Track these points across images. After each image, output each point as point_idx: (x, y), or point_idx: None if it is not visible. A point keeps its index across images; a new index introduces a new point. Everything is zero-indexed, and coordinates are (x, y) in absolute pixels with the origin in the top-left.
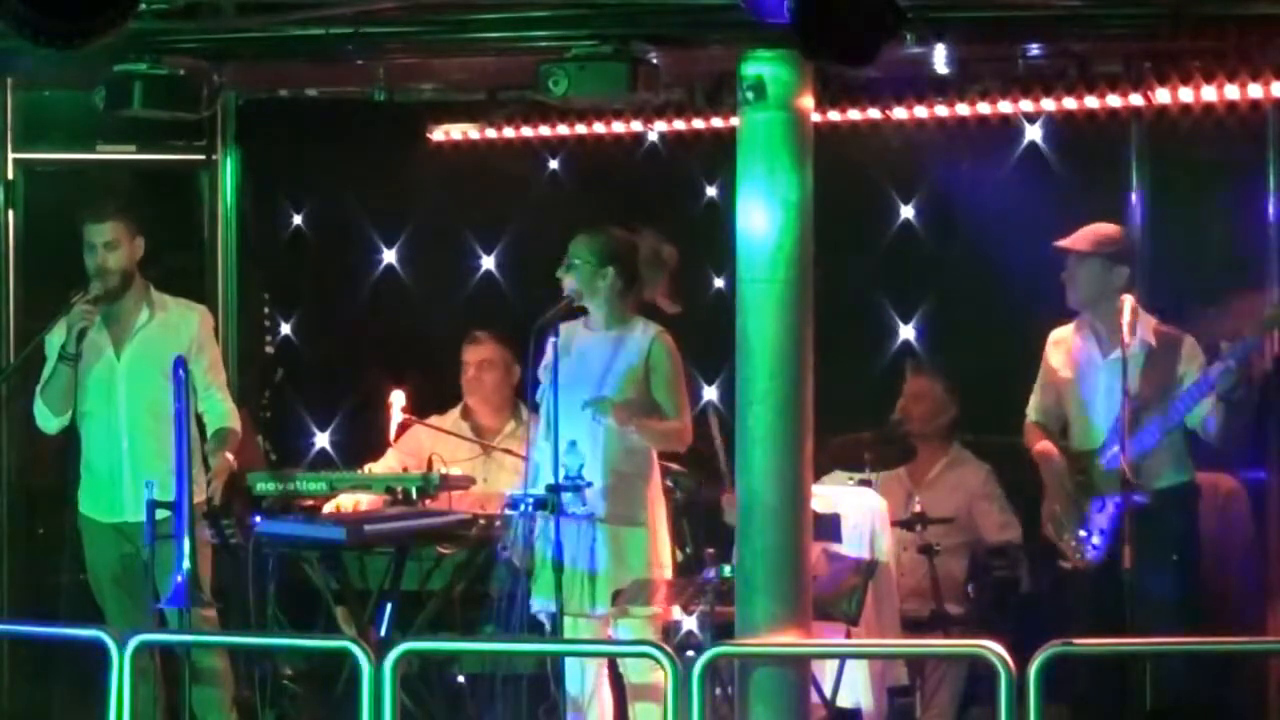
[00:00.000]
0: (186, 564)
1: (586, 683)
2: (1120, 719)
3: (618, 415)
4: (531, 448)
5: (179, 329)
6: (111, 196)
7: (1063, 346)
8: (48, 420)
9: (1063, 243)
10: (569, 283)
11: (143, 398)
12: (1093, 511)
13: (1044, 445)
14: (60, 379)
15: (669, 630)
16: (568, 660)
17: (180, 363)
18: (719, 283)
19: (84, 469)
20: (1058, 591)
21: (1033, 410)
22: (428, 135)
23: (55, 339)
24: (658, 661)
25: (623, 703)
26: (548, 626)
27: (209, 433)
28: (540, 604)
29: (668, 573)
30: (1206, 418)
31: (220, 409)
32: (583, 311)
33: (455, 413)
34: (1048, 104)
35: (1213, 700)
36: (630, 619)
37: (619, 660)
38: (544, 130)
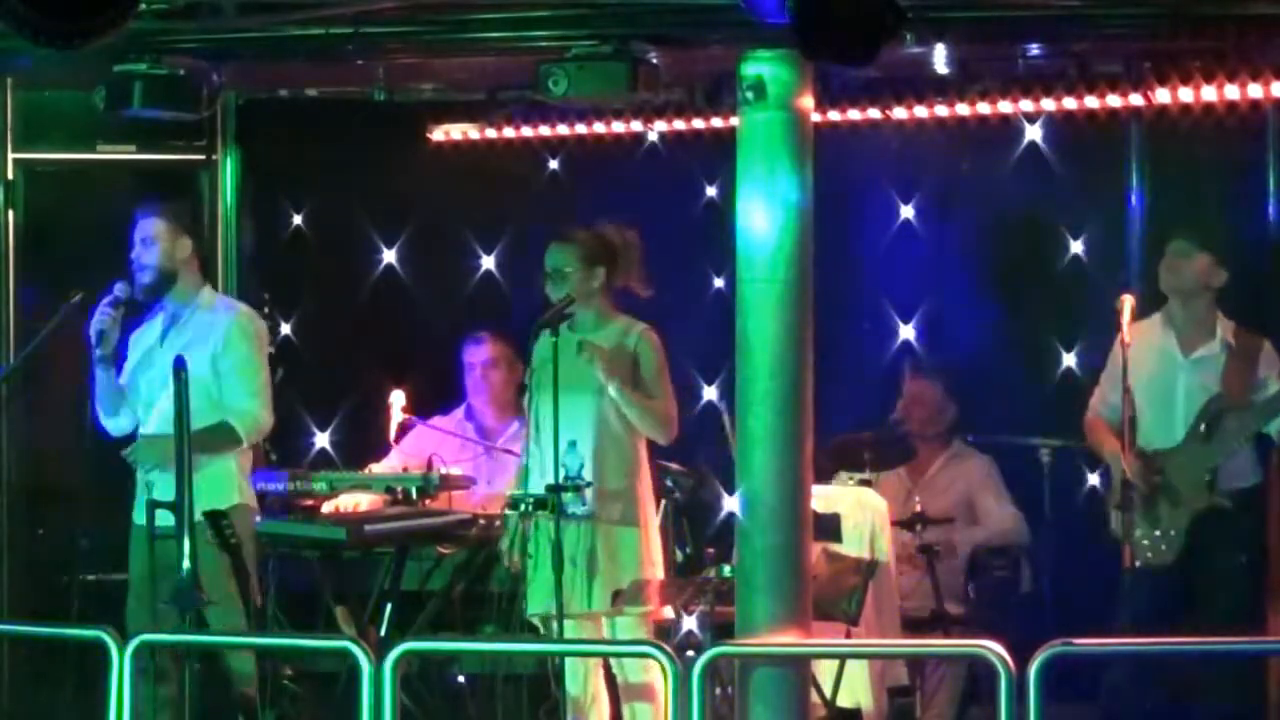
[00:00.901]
0: (186, 564)
1: (587, 683)
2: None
3: (606, 366)
4: (522, 452)
5: (213, 329)
6: (163, 194)
7: (1140, 342)
8: (106, 422)
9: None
10: (555, 291)
11: (168, 398)
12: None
13: (1117, 444)
14: (99, 382)
15: (665, 630)
16: (568, 660)
17: (180, 362)
18: (719, 283)
19: None
20: (1121, 591)
21: (1098, 404)
22: (428, 135)
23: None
24: (658, 661)
25: (618, 702)
26: (542, 630)
27: None
28: (537, 608)
29: (659, 572)
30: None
31: (235, 409)
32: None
33: (458, 413)
34: (1048, 104)
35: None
36: (623, 618)
37: (612, 660)
38: (544, 130)
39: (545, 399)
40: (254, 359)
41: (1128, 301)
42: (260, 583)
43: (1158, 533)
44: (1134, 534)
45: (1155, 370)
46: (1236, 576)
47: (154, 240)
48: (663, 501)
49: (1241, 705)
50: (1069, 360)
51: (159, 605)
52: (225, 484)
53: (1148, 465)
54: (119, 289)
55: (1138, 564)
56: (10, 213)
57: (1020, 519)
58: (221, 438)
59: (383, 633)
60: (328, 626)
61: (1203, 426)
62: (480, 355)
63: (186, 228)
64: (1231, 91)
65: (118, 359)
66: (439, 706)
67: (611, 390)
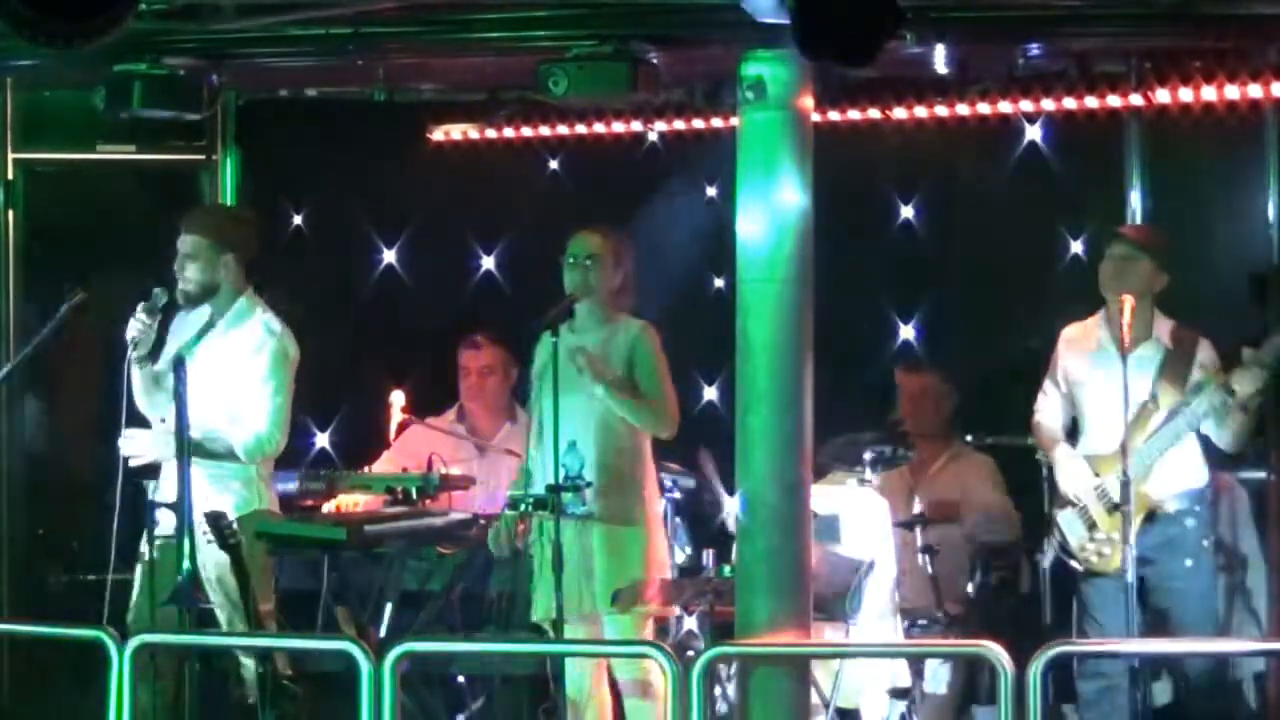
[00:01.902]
0: (186, 564)
1: (586, 683)
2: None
3: (596, 372)
4: (523, 454)
5: (238, 343)
6: (207, 209)
7: (1077, 345)
8: (151, 414)
9: (1127, 230)
10: (577, 279)
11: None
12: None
13: (1063, 450)
14: (138, 379)
15: (665, 630)
16: (567, 660)
17: (180, 362)
18: (719, 283)
19: None
20: (1071, 592)
21: (1042, 409)
22: (428, 135)
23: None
24: (658, 661)
25: (620, 700)
26: (550, 633)
27: None
28: (542, 614)
29: (665, 572)
30: (1222, 425)
31: (243, 426)
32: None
33: (451, 414)
34: (1048, 104)
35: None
36: (619, 617)
37: (610, 659)
38: (544, 130)
39: (546, 400)
40: (271, 379)
41: (1128, 301)
42: (271, 589)
43: (1101, 536)
44: (1077, 541)
45: (1092, 374)
46: (1188, 579)
47: (195, 257)
48: (662, 501)
49: (1241, 706)
50: None
51: (158, 606)
52: (243, 491)
53: (1088, 470)
54: (156, 294)
55: (1083, 568)
56: (10, 213)
57: (1011, 508)
58: (221, 452)
59: (383, 633)
60: (328, 626)
61: (1138, 431)
62: (476, 360)
63: (231, 241)
64: (1231, 91)
65: (158, 350)
66: (439, 706)
67: (599, 393)
